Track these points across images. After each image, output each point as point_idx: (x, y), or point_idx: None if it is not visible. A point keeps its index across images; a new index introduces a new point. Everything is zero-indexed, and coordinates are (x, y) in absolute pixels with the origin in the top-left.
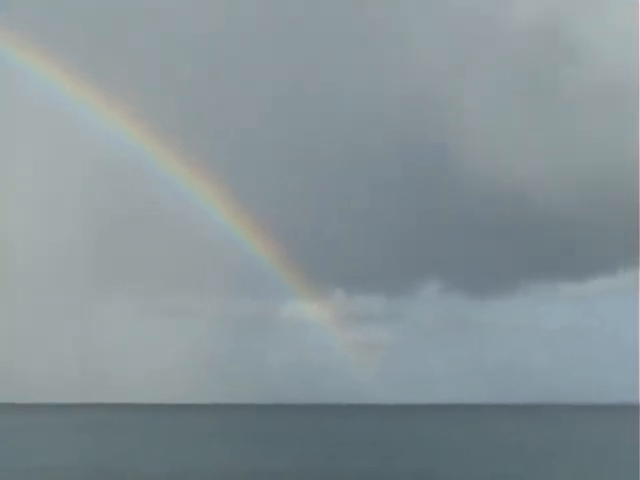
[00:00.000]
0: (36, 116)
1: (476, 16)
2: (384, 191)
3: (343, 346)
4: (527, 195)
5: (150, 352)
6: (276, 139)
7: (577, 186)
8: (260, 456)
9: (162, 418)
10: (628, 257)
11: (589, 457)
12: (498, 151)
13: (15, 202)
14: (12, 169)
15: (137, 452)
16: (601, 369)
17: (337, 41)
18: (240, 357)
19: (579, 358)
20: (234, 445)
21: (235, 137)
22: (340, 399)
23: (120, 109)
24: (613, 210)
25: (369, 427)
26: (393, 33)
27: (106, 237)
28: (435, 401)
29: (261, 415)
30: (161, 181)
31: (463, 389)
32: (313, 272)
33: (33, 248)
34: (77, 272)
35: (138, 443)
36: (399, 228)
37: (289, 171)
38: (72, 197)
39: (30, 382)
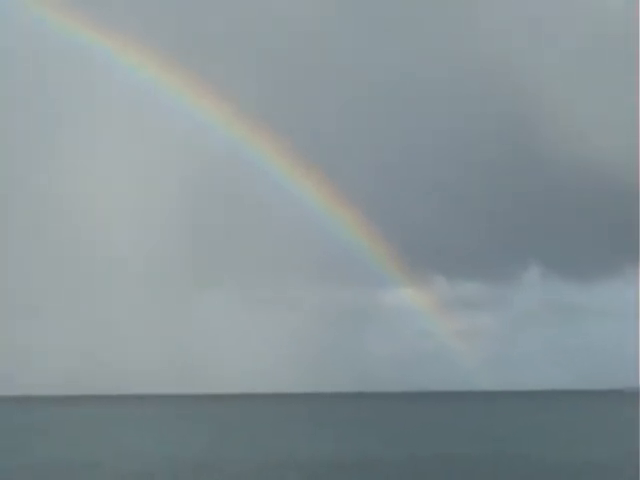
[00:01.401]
0: (127, 110)
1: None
2: (480, 175)
3: (445, 333)
4: (622, 175)
5: (249, 343)
6: (374, 133)
7: None
8: (366, 444)
9: (264, 407)
10: None
11: None
12: (590, 132)
13: (110, 198)
14: (104, 166)
15: (238, 441)
16: None
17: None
18: (341, 346)
19: None
20: (338, 434)
21: (333, 128)
22: (444, 387)
23: (217, 104)
24: None
25: (474, 414)
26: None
27: (202, 230)
28: (539, 387)
29: (364, 403)
30: (258, 174)
31: (567, 375)
32: (413, 259)
33: (130, 244)
34: (174, 266)
35: (239, 433)
36: (497, 212)
37: (387, 161)
38: (167, 193)
39: (130, 374)
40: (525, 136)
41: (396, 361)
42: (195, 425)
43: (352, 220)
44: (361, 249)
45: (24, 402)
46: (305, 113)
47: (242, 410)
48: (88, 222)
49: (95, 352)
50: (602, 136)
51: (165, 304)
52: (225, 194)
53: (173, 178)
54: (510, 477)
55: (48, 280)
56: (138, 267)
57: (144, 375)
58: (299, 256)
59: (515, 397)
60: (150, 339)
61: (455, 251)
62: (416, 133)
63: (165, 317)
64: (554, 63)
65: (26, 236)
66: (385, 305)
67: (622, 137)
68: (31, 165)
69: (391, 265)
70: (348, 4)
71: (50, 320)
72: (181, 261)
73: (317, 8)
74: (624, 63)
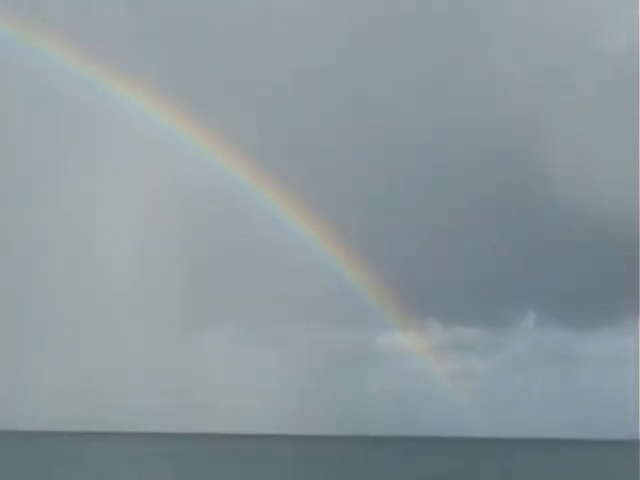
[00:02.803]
0: (132, 146)
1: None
2: (477, 220)
3: (439, 378)
4: (622, 222)
5: (244, 383)
6: (368, 165)
7: None
8: None
9: (258, 448)
10: None
11: None
12: (594, 177)
13: (109, 233)
14: (105, 201)
15: None
16: None
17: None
18: (336, 387)
19: None
20: (331, 477)
21: (327, 163)
22: (437, 431)
23: (216, 140)
24: None
25: (468, 461)
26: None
27: (200, 267)
28: (534, 435)
29: (359, 447)
30: (255, 209)
31: (563, 423)
32: (408, 302)
33: (127, 280)
34: (171, 303)
35: (237, 473)
36: (493, 258)
37: (383, 201)
38: (166, 228)
39: (127, 412)
40: (525, 182)
41: (390, 404)
42: (184, 464)
43: (349, 261)
44: (358, 292)
45: (22, 437)
46: (302, 153)
47: (235, 450)
48: (88, 256)
49: (93, 389)
50: (603, 183)
51: (162, 342)
52: (225, 234)
53: (173, 215)
54: None
55: (46, 315)
56: (135, 308)
57: (142, 414)
58: (297, 297)
59: (509, 444)
60: (147, 378)
61: (450, 296)
62: (414, 174)
63: (162, 356)
64: (560, 110)
65: (25, 268)
66: (380, 348)
67: (623, 185)
68: (26, 196)
69: (387, 308)
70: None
71: (47, 355)
72: (178, 299)
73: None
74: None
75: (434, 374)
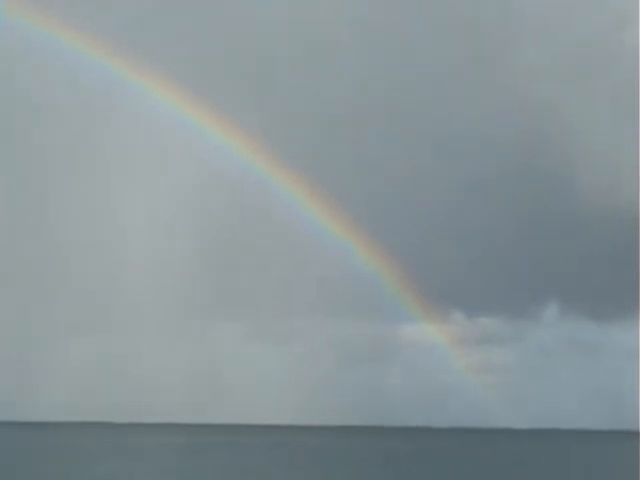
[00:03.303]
0: (148, 137)
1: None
2: (501, 213)
3: (463, 369)
4: None
5: (267, 376)
6: (394, 166)
7: None
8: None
9: (281, 440)
10: None
11: None
12: (615, 169)
13: (124, 229)
14: (119, 198)
15: (252, 474)
16: None
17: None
18: (359, 380)
19: None
20: (355, 468)
21: (351, 157)
22: (461, 423)
23: (237, 131)
24: None
25: (492, 451)
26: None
27: (215, 262)
28: (557, 426)
29: (382, 438)
30: (276, 207)
31: (584, 414)
32: (432, 294)
33: (141, 276)
34: (184, 298)
35: (253, 463)
36: (517, 249)
37: (407, 195)
38: (181, 224)
39: (136, 404)
40: (550, 175)
41: (413, 396)
42: (208, 456)
43: (371, 254)
44: (380, 283)
45: (40, 427)
46: (324, 146)
47: (259, 441)
48: (107, 256)
49: (111, 380)
50: (628, 178)
51: (180, 335)
52: (242, 225)
53: (189, 212)
54: None
55: (67, 312)
56: (152, 298)
57: (153, 406)
58: (317, 290)
59: (533, 435)
60: (164, 368)
61: (474, 287)
62: (441, 170)
63: (180, 348)
64: (587, 110)
65: (37, 268)
66: (403, 340)
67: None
68: (41, 205)
69: (410, 300)
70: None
71: (69, 348)
72: (192, 293)
73: None
74: None
75: (457, 365)
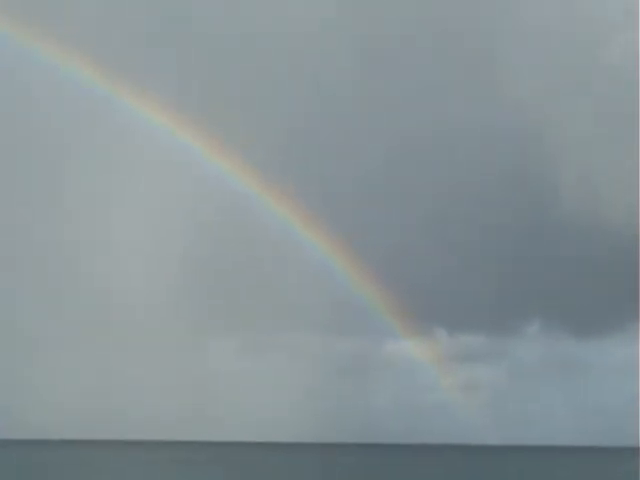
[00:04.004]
0: (140, 154)
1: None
2: (482, 229)
3: (445, 385)
4: (625, 231)
5: (251, 392)
6: (379, 187)
7: None
8: None
9: (267, 457)
10: None
11: None
12: (598, 186)
13: (121, 244)
14: (115, 211)
15: None
16: None
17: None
18: (341, 395)
19: None
20: None
21: (332, 171)
22: (445, 439)
23: (226, 152)
24: None
25: (476, 469)
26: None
27: (208, 277)
28: (539, 443)
29: (366, 455)
30: (268, 224)
31: (567, 431)
32: (414, 311)
33: (133, 288)
34: (178, 313)
35: None
36: (499, 266)
37: (389, 210)
38: (179, 240)
39: (131, 421)
40: (530, 188)
41: (396, 412)
42: (198, 473)
43: (356, 271)
44: (363, 299)
45: (32, 445)
46: (312, 164)
47: (245, 459)
48: (100, 270)
49: (105, 397)
50: (607, 191)
51: (175, 350)
52: (232, 241)
53: (181, 224)
54: None
55: (61, 327)
56: (148, 313)
57: (146, 422)
58: (303, 304)
59: (516, 452)
60: (152, 386)
61: (456, 304)
62: (423, 181)
63: (175, 363)
64: (569, 124)
65: (33, 283)
66: (386, 356)
67: (626, 192)
68: (34, 212)
69: (392, 317)
70: None
71: (63, 364)
72: (185, 307)
73: None
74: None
75: (440, 382)
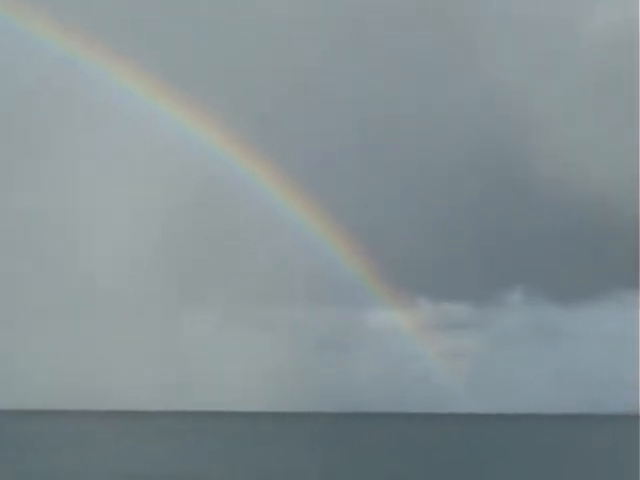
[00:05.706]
0: (117, 125)
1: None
2: (465, 199)
3: (429, 354)
4: (608, 201)
5: (230, 361)
6: (364, 161)
7: None
8: (347, 464)
9: (249, 425)
10: None
11: None
12: (577, 156)
13: (94, 214)
14: (90, 181)
15: (218, 459)
16: None
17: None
18: (325, 366)
19: None
20: (322, 453)
21: (321, 143)
22: (426, 408)
23: (204, 117)
24: None
25: (458, 437)
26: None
27: (187, 249)
28: (522, 410)
29: (348, 424)
30: (247, 194)
31: (550, 399)
32: (397, 280)
33: (113, 259)
34: (159, 284)
35: (220, 450)
36: (482, 235)
37: (372, 178)
38: (153, 210)
39: (113, 391)
40: (514, 162)
41: (379, 381)
42: (179, 442)
43: (337, 241)
44: (345, 269)
45: (8, 415)
46: (298, 137)
47: (226, 428)
48: (72, 239)
49: (80, 368)
50: (588, 157)
51: (149, 320)
52: (211, 212)
53: (161, 196)
54: None
55: (32, 296)
56: (121, 282)
57: (127, 392)
58: (284, 274)
59: (499, 419)
60: (133, 354)
61: (439, 273)
62: (409, 155)
63: (149, 333)
64: (554, 100)
65: (10, 253)
66: (369, 326)
67: (610, 159)
68: (16, 183)
69: (375, 286)
70: None
71: (36, 336)
72: (166, 280)
73: None
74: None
75: (422, 351)
